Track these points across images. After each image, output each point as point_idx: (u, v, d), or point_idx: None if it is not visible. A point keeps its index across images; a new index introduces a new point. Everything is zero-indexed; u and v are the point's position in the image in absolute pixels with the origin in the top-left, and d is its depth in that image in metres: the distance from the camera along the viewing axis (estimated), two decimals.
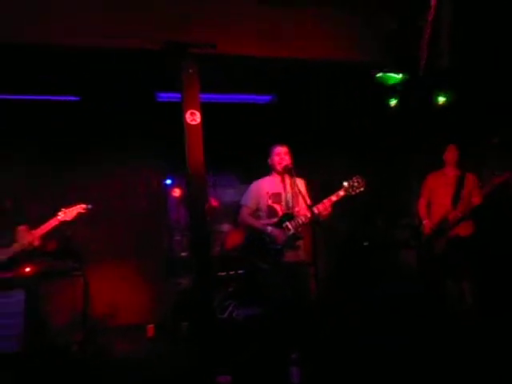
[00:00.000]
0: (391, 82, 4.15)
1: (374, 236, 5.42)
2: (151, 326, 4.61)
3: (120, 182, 5.33)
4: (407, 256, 5.16)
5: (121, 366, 3.77)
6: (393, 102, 4.48)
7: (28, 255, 2.83)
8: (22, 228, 2.76)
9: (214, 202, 5.65)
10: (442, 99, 4.40)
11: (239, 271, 3.99)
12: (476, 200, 3.92)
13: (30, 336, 2.93)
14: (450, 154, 4.21)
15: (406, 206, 5.27)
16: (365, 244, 5.31)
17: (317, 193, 3.47)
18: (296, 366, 2.81)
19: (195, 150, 2.43)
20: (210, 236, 4.55)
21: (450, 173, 4.22)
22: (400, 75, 4.03)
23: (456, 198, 4.08)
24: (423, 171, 4.49)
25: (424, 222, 4.31)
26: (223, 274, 4.05)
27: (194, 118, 2.45)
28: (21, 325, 2.68)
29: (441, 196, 4.20)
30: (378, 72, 3.93)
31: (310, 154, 5.05)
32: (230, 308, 3.78)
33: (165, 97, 4.18)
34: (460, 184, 4.11)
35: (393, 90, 4.28)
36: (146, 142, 4.93)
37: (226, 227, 4.93)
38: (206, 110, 4.59)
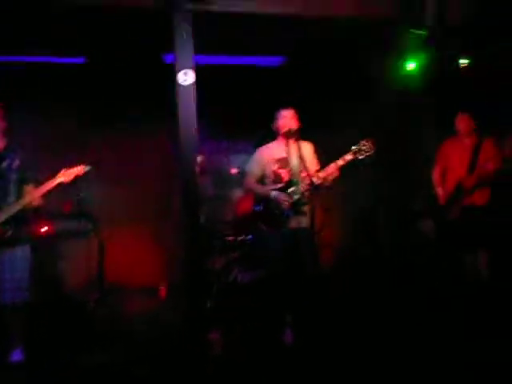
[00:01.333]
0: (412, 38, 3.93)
1: (390, 208, 5.31)
2: (163, 287, 4.76)
3: (135, 145, 5.40)
4: (425, 226, 5.06)
5: (131, 323, 3.94)
6: (411, 65, 4.27)
7: (33, 214, 2.93)
8: (28, 187, 2.84)
9: (233, 170, 5.67)
10: (464, 62, 4.17)
11: (246, 237, 4.01)
12: (491, 166, 3.76)
13: (39, 290, 3.09)
14: (462, 124, 4.03)
15: (423, 175, 5.11)
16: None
17: (328, 157, 3.39)
18: (290, 328, 2.86)
19: (187, 112, 2.38)
20: (216, 201, 4.65)
21: (467, 139, 4.05)
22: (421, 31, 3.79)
23: (472, 165, 3.92)
24: (441, 139, 4.31)
25: (438, 189, 4.21)
26: (231, 238, 4.08)
27: (186, 77, 2.39)
28: (29, 278, 2.81)
29: (456, 163, 4.05)
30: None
31: (323, 118, 4.95)
32: (235, 272, 3.83)
33: (171, 59, 4.13)
34: (476, 150, 3.93)
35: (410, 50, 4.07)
36: (159, 105, 4.92)
37: (237, 193, 4.93)
38: (215, 72, 4.57)
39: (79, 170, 2.77)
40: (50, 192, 2.68)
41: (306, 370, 2.63)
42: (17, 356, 2.79)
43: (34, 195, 2.66)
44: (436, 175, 4.25)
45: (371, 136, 3.23)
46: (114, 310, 4.35)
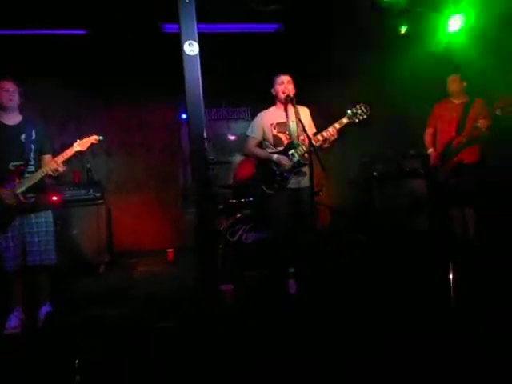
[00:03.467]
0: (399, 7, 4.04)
1: (384, 166, 5.51)
2: (171, 250, 5.01)
3: (138, 116, 5.54)
4: (417, 185, 5.26)
5: (140, 283, 4.21)
6: (403, 29, 4.37)
7: (53, 182, 3.13)
8: (46, 156, 3.03)
9: (232, 136, 5.83)
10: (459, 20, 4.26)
11: (250, 199, 4.21)
12: (481, 123, 3.84)
13: (63, 252, 3.33)
14: (454, 85, 4.15)
15: (415, 136, 5.28)
16: (374, 174, 5.42)
17: (326, 120, 3.53)
18: (293, 279, 3.11)
19: (193, 81, 2.54)
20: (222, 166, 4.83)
21: (457, 100, 4.18)
22: None
23: (461, 124, 4.05)
24: (433, 100, 4.44)
25: (430, 150, 4.35)
26: (235, 201, 4.28)
27: (192, 48, 2.54)
28: (54, 241, 3.04)
29: (446, 123, 4.19)
30: None
31: (320, 83, 5.07)
32: (240, 232, 4.05)
33: (170, 28, 4.20)
34: (466, 110, 4.06)
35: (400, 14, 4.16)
36: (160, 76, 4.99)
37: (238, 158, 5.12)
38: (212, 40, 4.64)
39: (93, 139, 2.95)
40: (68, 160, 2.87)
41: (309, 317, 2.85)
42: (46, 309, 3.07)
43: (54, 164, 2.84)
44: (428, 136, 4.39)
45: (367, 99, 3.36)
46: (124, 271, 4.64)
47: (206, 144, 2.56)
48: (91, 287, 4.02)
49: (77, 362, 2.22)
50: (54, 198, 4.28)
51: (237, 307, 3.14)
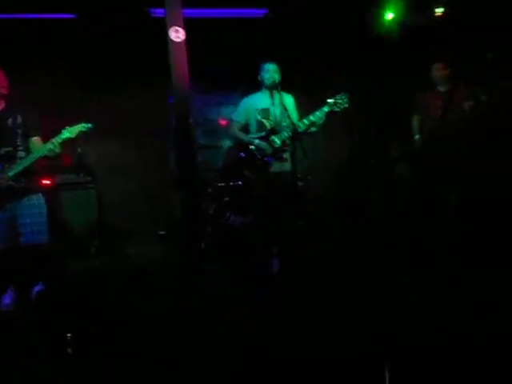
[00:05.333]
0: None
1: (371, 152, 5.61)
2: (162, 232, 5.10)
3: (128, 101, 5.55)
4: (403, 171, 5.36)
5: (130, 264, 4.30)
6: (439, 10, 4.37)
7: (46, 164, 3.21)
8: (34, 139, 3.09)
9: (222, 121, 5.88)
10: (439, 10, 4.34)
11: (236, 183, 4.30)
12: (466, 105, 3.93)
13: (54, 234, 3.43)
14: (438, 73, 4.24)
15: (402, 122, 5.37)
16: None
17: (311, 107, 3.61)
18: (276, 259, 3.24)
19: (180, 67, 2.62)
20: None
21: (442, 88, 4.28)
22: None
23: (446, 111, 4.14)
24: (421, 88, 4.51)
25: (416, 137, 4.46)
26: (222, 185, 4.37)
27: (177, 34, 2.60)
28: (46, 223, 3.13)
29: (432, 110, 4.28)
30: None
31: (307, 71, 5.13)
32: (227, 215, 4.16)
33: (160, 12, 4.21)
34: (451, 96, 4.15)
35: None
36: (150, 60, 5.01)
37: (227, 143, 5.19)
38: (202, 26, 4.67)
39: (81, 126, 3.02)
40: (62, 143, 2.94)
41: (291, 296, 2.96)
42: (38, 288, 3.17)
43: (50, 144, 2.90)
44: (414, 123, 4.49)
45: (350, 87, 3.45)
46: (115, 253, 4.74)
47: (192, 128, 2.65)
48: (81, 269, 4.12)
49: (68, 335, 2.34)
50: (47, 182, 4.36)
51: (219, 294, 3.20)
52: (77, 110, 5.05)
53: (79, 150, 4.98)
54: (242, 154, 3.55)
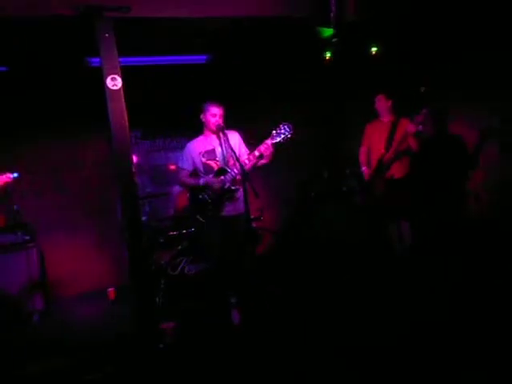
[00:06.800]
0: (325, 35, 4.25)
1: (321, 186, 5.65)
2: (112, 289, 4.76)
3: (67, 152, 5.30)
4: (354, 203, 5.42)
5: (77, 330, 3.93)
6: (327, 55, 4.60)
7: None
8: None
9: (171, 166, 5.73)
10: (374, 49, 4.55)
11: (189, 230, 4.14)
12: (410, 128, 4.02)
13: None
14: (380, 104, 4.40)
15: (350, 156, 5.49)
16: (312, 194, 5.53)
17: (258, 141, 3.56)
18: (236, 309, 3.05)
19: (118, 115, 2.48)
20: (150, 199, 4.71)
21: (385, 119, 4.42)
22: (331, 29, 4.10)
23: (389, 142, 4.28)
24: (365, 120, 4.65)
25: (363, 168, 4.57)
26: (175, 233, 4.19)
27: (114, 83, 2.49)
28: None
29: (376, 141, 4.42)
30: None
31: (251, 107, 5.17)
32: (182, 265, 3.96)
33: (96, 62, 4.12)
34: (393, 128, 4.29)
35: (326, 43, 4.39)
36: (90, 110, 4.86)
37: (176, 189, 5.04)
38: (143, 73, 4.61)
39: (6, 177, 2.76)
40: None
41: (254, 347, 2.81)
42: None
43: None
44: (362, 155, 4.60)
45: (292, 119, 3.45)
46: (61, 318, 4.33)
47: (135, 178, 2.49)
48: (22, 339, 3.71)
49: None
50: None
51: (178, 345, 3.00)
52: (10, 163, 4.73)
53: (15, 207, 4.61)
54: (194, 198, 3.42)
